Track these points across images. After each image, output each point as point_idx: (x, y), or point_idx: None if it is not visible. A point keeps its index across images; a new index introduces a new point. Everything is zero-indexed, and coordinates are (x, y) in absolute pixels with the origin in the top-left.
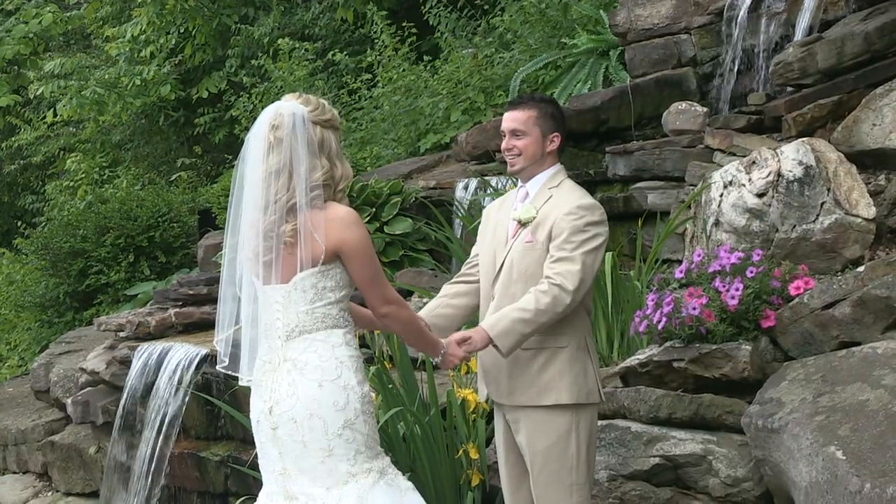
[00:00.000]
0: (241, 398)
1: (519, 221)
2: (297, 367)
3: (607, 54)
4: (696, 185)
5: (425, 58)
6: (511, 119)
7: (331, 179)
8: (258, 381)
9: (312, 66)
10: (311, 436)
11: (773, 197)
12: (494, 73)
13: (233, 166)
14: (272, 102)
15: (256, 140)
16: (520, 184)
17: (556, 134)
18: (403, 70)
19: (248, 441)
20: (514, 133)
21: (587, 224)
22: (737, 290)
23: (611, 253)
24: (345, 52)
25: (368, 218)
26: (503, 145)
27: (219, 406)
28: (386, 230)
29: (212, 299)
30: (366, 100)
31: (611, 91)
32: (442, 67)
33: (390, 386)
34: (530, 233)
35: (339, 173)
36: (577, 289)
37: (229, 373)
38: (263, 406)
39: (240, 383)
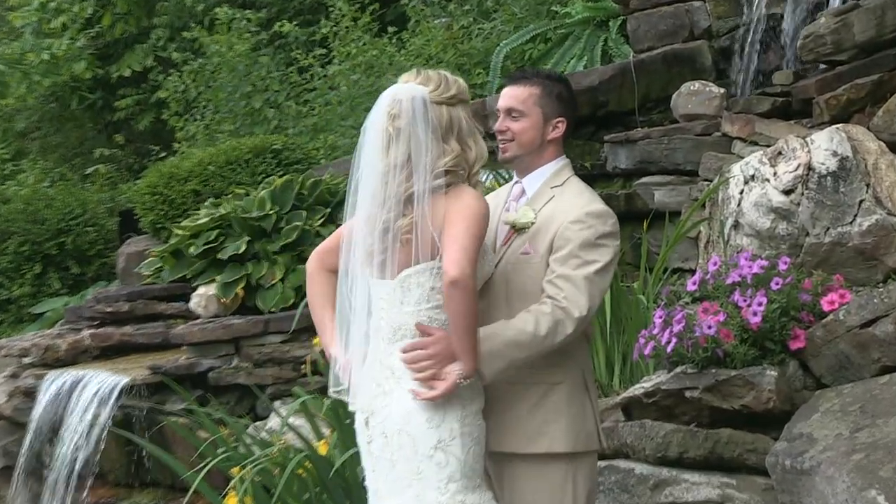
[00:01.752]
0: (168, 437)
1: (513, 226)
2: (394, 375)
3: (606, 25)
4: (711, 181)
5: (390, 29)
6: (508, 96)
7: (464, 163)
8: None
9: (256, 40)
10: (400, 454)
11: (802, 194)
12: (472, 47)
13: (161, 159)
14: (207, 81)
15: (374, 131)
16: (515, 178)
17: (560, 119)
18: (364, 44)
19: (176, 488)
20: (510, 113)
21: (598, 237)
22: (760, 305)
23: None
24: (294, 23)
25: (322, 220)
26: (496, 126)
27: (142, 446)
28: None
29: (135, 317)
30: (319, 79)
31: (610, 69)
32: (410, 40)
33: (347, 421)
34: (528, 242)
35: (472, 155)
36: (583, 317)
37: (342, 398)
38: (361, 417)
39: (350, 408)
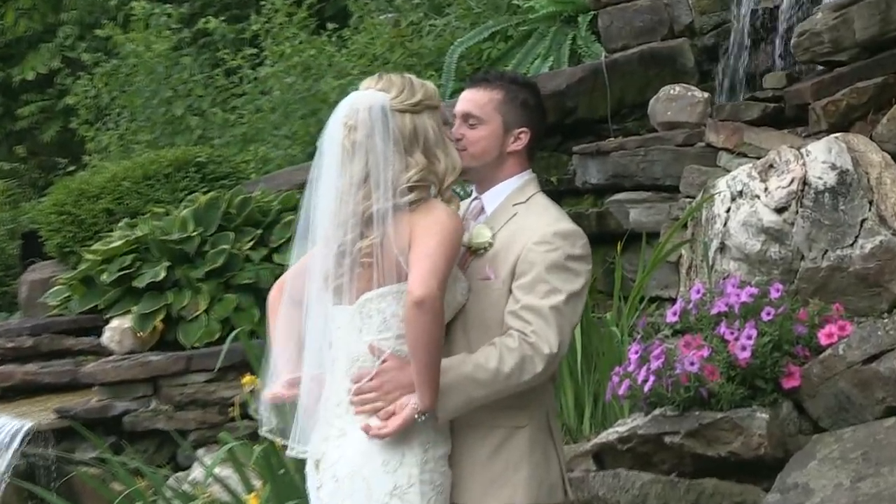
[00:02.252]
0: (77, 489)
1: (468, 247)
2: (349, 412)
3: (575, 21)
4: (694, 197)
5: (329, 26)
6: (466, 99)
7: (432, 176)
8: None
9: (177, 38)
10: (352, 501)
11: (796, 213)
12: (423, 46)
13: (69, 173)
14: (122, 85)
15: (330, 145)
16: (473, 193)
17: (523, 130)
18: (300, 42)
19: None
20: (467, 119)
21: (567, 259)
22: (749, 338)
23: None
24: (221, 19)
25: (252, 243)
26: (452, 132)
27: (47, 500)
28: (276, 259)
29: (40, 354)
30: (249, 82)
31: (580, 70)
32: (352, 38)
33: (282, 472)
34: (488, 266)
35: (441, 167)
36: (553, 355)
37: (276, 440)
38: (311, 460)
39: (288, 453)
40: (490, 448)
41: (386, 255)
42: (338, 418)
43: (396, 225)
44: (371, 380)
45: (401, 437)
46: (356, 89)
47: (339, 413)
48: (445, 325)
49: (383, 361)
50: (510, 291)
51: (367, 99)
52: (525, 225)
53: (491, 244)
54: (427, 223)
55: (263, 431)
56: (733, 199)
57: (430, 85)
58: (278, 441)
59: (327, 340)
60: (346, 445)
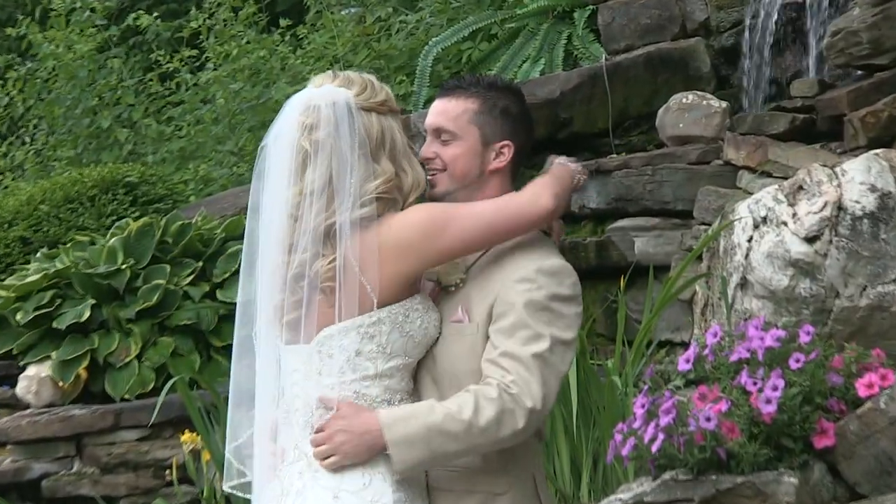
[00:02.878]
0: None
1: (438, 282)
2: (311, 468)
3: (570, 17)
4: (710, 224)
5: (282, 22)
6: (437, 112)
7: (397, 191)
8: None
9: (103, 36)
10: None
11: (830, 242)
12: (392, 46)
13: None
14: (40, 92)
15: (280, 149)
16: None
17: (506, 143)
18: (248, 42)
19: None
20: (439, 134)
21: (552, 299)
22: (775, 389)
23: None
24: (155, 15)
25: (192, 277)
26: (422, 152)
27: None
28: (220, 296)
29: None
30: (188, 89)
31: (576, 75)
32: (309, 38)
33: None
34: (460, 306)
35: (408, 180)
36: (537, 410)
37: (237, 493)
38: None
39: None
40: None
41: (348, 278)
42: (297, 476)
43: (361, 241)
44: (320, 431)
45: (371, 496)
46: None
47: (299, 469)
48: (413, 370)
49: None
50: (487, 337)
51: (328, 94)
52: (505, 259)
53: (463, 280)
54: (406, 238)
55: (227, 487)
56: (756, 227)
57: (387, 88)
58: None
59: (280, 386)
60: None
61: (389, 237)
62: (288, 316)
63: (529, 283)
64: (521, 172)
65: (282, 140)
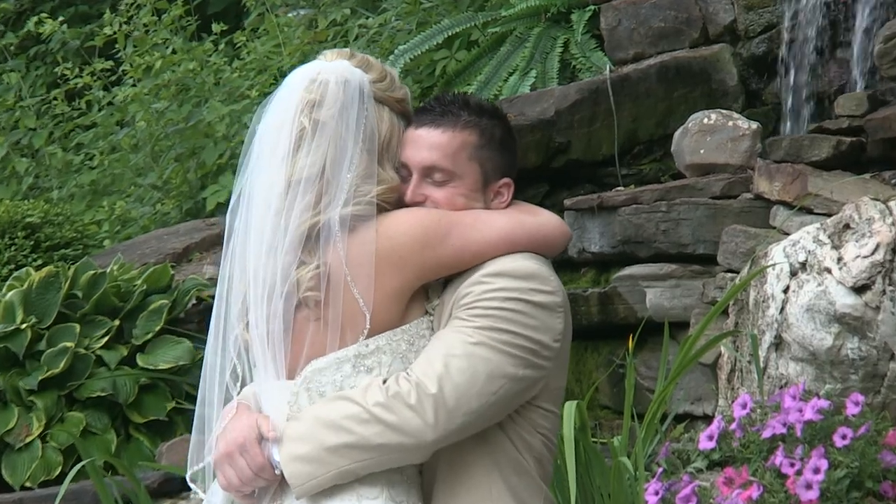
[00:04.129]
0: None
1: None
2: None
3: (567, 20)
4: (738, 272)
5: (215, 27)
6: (426, 145)
7: (389, 205)
8: None
9: None
10: None
11: (884, 293)
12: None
13: None
14: None
15: (275, 128)
16: None
17: (505, 181)
18: (173, 52)
19: None
20: (429, 173)
21: (511, 299)
22: (816, 471)
23: (574, 403)
24: (60, 18)
25: (106, 338)
26: (408, 195)
27: None
28: (141, 362)
29: None
30: (101, 109)
31: (575, 90)
32: (248, 46)
33: None
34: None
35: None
36: (442, 399)
37: None
38: None
39: None
40: None
41: (334, 291)
42: None
43: (353, 245)
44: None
45: None
46: (237, 116)
47: None
48: None
49: None
50: None
51: (341, 70)
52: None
53: (437, 303)
54: (402, 245)
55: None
56: (794, 275)
57: (407, 90)
58: None
59: None
60: None
61: (380, 246)
62: (268, 344)
63: (485, 284)
64: None
65: (278, 113)
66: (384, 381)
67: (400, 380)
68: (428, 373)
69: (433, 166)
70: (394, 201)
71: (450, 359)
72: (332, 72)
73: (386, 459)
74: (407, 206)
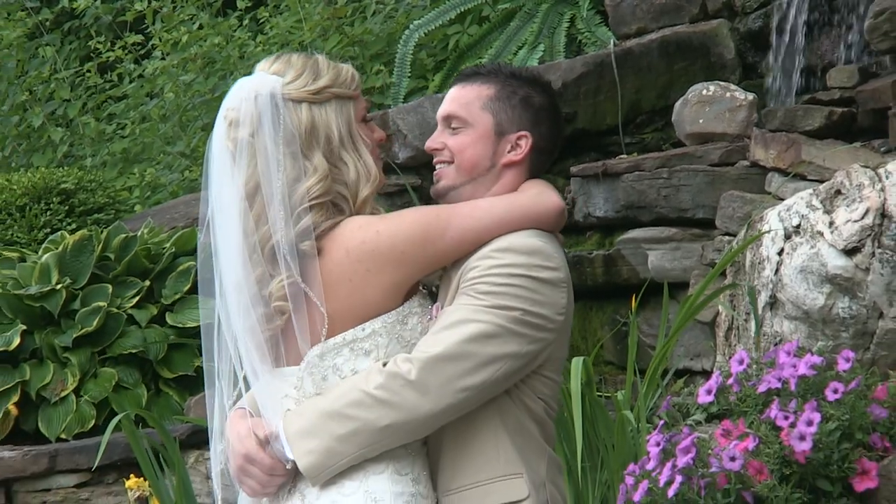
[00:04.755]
0: None
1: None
2: (305, 502)
3: None
4: (735, 235)
5: (240, 3)
6: (450, 99)
7: (341, 187)
8: None
9: (34, 21)
10: None
11: (873, 255)
12: (368, 31)
13: None
14: None
15: (215, 148)
16: None
17: (523, 134)
18: (200, 27)
19: None
20: (448, 122)
21: (515, 275)
22: (810, 424)
23: (581, 359)
24: None
25: (137, 298)
26: (428, 143)
27: None
28: (170, 321)
29: None
30: (132, 81)
31: (580, 63)
32: (271, 22)
33: None
34: (435, 305)
35: (351, 174)
36: (445, 376)
37: None
38: None
39: None
40: None
41: (295, 300)
42: None
43: (307, 263)
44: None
45: None
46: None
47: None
48: None
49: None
50: None
51: (254, 85)
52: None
53: (440, 278)
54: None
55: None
56: (788, 238)
57: (344, 67)
58: None
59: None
60: None
61: (381, 245)
62: (264, 333)
63: (490, 259)
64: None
65: (216, 134)
66: (384, 364)
67: (400, 361)
68: (431, 350)
69: (449, 115)
70: (329, 189)
71: (455, 336)
72: (247, 88)
73: (395, 438)
74: (429, 151)
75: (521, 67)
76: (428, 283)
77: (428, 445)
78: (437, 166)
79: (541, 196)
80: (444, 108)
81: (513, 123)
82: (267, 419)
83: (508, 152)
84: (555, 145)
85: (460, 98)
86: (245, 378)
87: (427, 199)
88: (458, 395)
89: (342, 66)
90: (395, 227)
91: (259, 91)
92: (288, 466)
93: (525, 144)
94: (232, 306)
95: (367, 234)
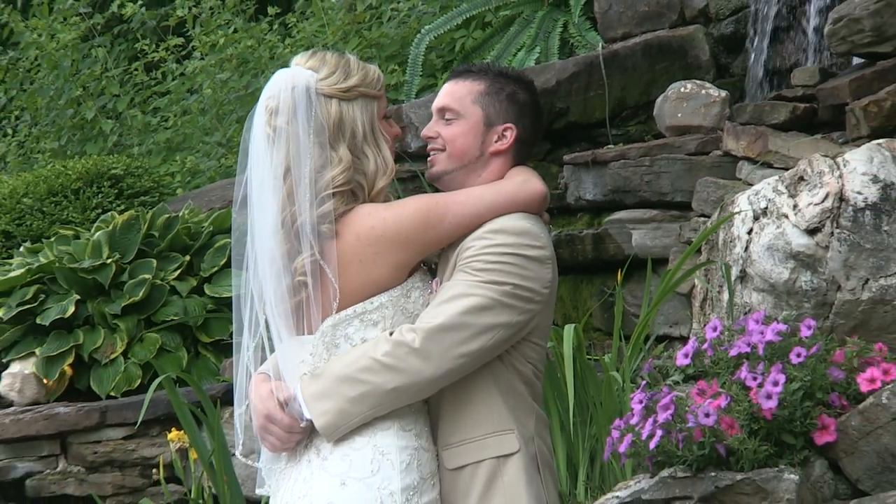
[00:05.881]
0: None
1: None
2: (320, 456)
3: (566, 4)
4: (709, 216)
5: (270, 10)
6: (444, 93)
7: (360, 177)
8: (278, 474)
9: (87, 25)
10: None
11: (832, 234)
12: (384, 34)
13: None
14: (22, 83)
15: (255, 135)
16: None
17: (508, 126)
18: (235, 31)
19: None
20: (442, 113)
21: (507, 254)
22: (775, 384)
23: (572, 326)
24: (140, 3)
25: (179, 271)
26: (424, 131)
27: None
28: (208, 291)
29: None
30: (174, 79)
31: (572, 64)
32: (298, 26)
33: None
34: (435, 280)
35: (371, 166)
36: (445, 344)
37: (252, 464)
38: None
39: (257, 490)
40: (480, 488)
41: (313, 274)
42: (307, 464)
43: (325, 243)
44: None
45: (379, 482)
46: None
47: (308, 458)
48: None
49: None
50: None
51: (290, 77)
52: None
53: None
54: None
55: (239, 454)
56: (756, 219)
57: (372, 69)
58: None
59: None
60: (314, 493)
61: (388, 230)
62: (290, 302)
63: (485, 241)
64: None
65: (256, 123)
66: (391, 334)
67: (405, 331)
68: (432, 321)
69: (443, 107)
70: (351, 178)
71: (454, 308)
72: (285, 80)
73: (400, 400)
74: (425, 138)
75: (508, 67)
76: (428, 260)
77: (429, 405)
78: (431, 153)
79: (526, 183)
80: (439, 100)
81: (500, 116)
82: (286, 382)
83: (496, 142)
84: (536, 136)
85: (454, 92)
86: (262, 345)
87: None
88: (457, 361)
89: (370, 68)
90: (399, 214)
91: (296, 83)
92: (302, 425)
93: (510, 135)
94: (265, 275)
95: (375, 220)
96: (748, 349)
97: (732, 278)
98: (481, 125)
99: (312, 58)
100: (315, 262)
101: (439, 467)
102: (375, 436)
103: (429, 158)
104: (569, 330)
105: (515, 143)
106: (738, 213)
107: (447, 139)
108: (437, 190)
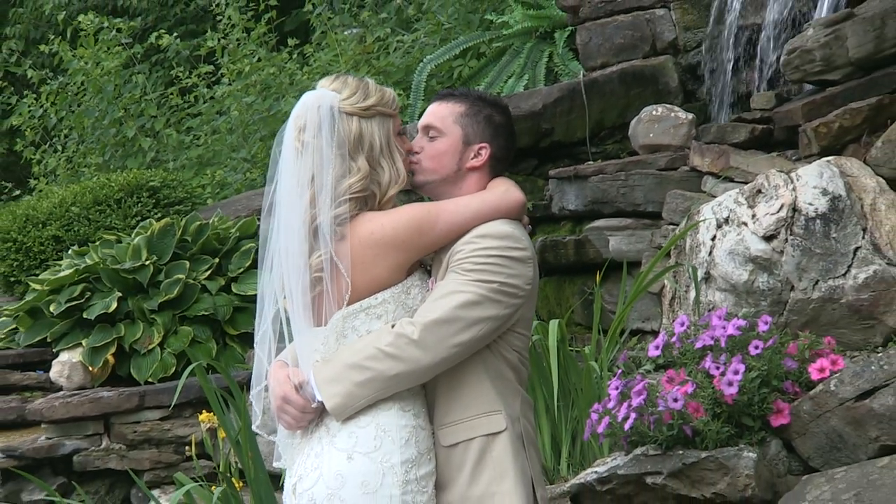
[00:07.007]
0: None
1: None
2: (329, 433)
3: (551, 37)
4: (677, 224)
5: (290, 41)
6: (428, 113)
7: (375, 186)
8: (293, 449)
9: (128, 54)
10: None
11: (786, 241)
12: (390, 63)
13: (14, 198)
14: (70, 105)
15: (285, 148)
16: None
17: (483, 145)
18: (259, 59)
19: None
20: (427, 131)
21: (493, 256)
22: (736, 373)
23: (556, 321)
24: (175, 34)
25: (209, 272)
26: (408, 145)
27: None
28: (234, 289)
29: None
30: (205, 102)
31: (556, 90)
32: (314, 56)
33: None
34: (430, 279)
35: (385, 176)
36: (439, 335)
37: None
38: (288, 483)
39: (275, 463)
40: (470, 465)
41: (330, 271)
42: (318, 441)
43: (339, 242)
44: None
45: (381, 457)
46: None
47: (319, 435)
48: None
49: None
50: None
51: (317, 98)
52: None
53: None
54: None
55: (255, 427)
56: (719, 227)
57: (388, 91)
58: (267, 437)
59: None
60: (324, 466)
61: (385, 235)
62: (305, 297)
63: (473, 244)
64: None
65: (286, 139)
66: (393, 326)
67: (405, 324)
68: (429, 316)
69: (427, 125)
70: (367, 186)
71: (448, 304)
72: (312, 100)
73: (401, 385)
74: (409, 151)
75: (486, 92)
76: (425, 261)
77: (426, 389)
78: (413, 165)
79: (507, 193)
80: (424, 119)
81: (477, 136)
82: (301, 368)
83: (472, 158)
84: (509, 155)
85: (437, 112)
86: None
87: None
88: (451, 350)
89: (386, 90)
90: (396, 220)
91: (321, 103)
92: (314, 405)
93: (485, 154)
94: (288, 270)
95: (374, 225)
96: (712, 342)
97: (698, 279)
98: (460, 143)
99: (336, 81)
100: (330, 259)
101: (435, 444)
102: (378, 416)
103: (412, 168)
104: (553, 325)
105: (490, 160)
106: (703, 221)
107: (429, 155)
108: (423, 198)
